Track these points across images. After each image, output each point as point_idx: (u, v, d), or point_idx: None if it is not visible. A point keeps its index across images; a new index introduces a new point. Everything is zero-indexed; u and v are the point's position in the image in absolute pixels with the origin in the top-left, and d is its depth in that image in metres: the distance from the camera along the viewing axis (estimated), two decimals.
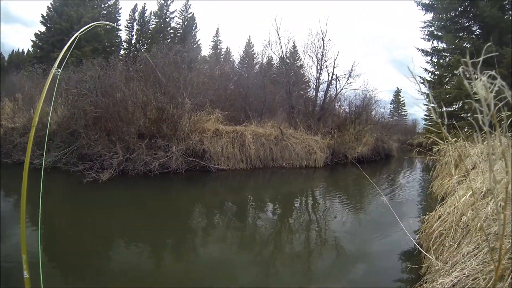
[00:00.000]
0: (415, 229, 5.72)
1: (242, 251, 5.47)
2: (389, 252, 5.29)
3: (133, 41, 36.82)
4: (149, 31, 36.36)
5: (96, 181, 9.85)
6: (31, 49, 37.08)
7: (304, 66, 24.04)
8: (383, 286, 4.34)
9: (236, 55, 48.15)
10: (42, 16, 33.58)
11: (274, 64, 28.79)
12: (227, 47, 44.95)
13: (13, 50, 54.51)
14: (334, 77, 20.06)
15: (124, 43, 36.84)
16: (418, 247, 4.18)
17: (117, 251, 5.66)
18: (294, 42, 30.72)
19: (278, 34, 21.74)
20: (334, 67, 19.82)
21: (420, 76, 17.93)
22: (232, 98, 16.55)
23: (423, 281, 3.75)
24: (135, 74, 13.47)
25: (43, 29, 33.63)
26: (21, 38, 75.14)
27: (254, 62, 28.76)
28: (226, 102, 15.73)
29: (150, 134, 11.42)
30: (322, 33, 19.64)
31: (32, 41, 34.78)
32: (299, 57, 30.16)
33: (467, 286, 2.76)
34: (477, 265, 2.96)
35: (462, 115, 15.93)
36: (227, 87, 17.61)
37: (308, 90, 24.23)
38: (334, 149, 16.42)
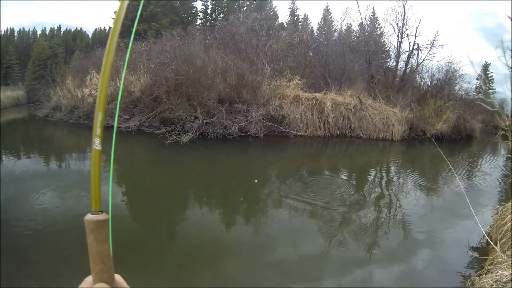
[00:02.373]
0: (487, 219, 5.05)
1: (311, 219, 5.30)
2: (457, 239, 4.84)
3: (208, 11, 37.11)
4: (224, 0, 36.47)
5: (177, 142, 10.29)
6: (112, 26, 39.28)
7: (384, 34, 22.53)
8: (443, 273, 3.99)
9: (314, 22, 46.65)
10: None
11: (354, 31, 27.35)
12: (305, 14, 43.70)
13: (95, 28, 58.31)
14: (415, 46, 18.46)
15: (200, 13, 37.38)
16: (487, 237, 3.95)
17: (190, 209, 5.85)
18: (373, 9, 28.79)
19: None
20: (415, 36, 18.10)
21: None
22: (311, 65, 16.03)
23: (483, 272, 3.43)
24: (214, 42, 13.49)
25: None
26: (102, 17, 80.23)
27: (333, 30, 27.51)
28: (305, 69, 15.26)
29: (230, 99, 11.44)
30: None
31: (112, 18, 36.65)
32: (379, 24, 28.18)
33: None
34: None
35: None
36: (306, 54, 17.06)
37: (388, 59, 22.65)
38: (412, 123, 15.23)
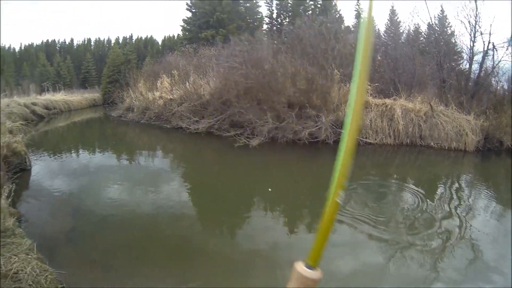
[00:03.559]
0: None
1: (372, 232, 4.93)
2: None
3: (274, 16, 37.48)
4: (289, 4, 36.54)
5: (246, 146, 10.57)
6: (180, 33, 41.38)
7: (455, 34, 21.24)
8: None
9: (381, 24, 45.36)
10: (187, 4, 36.69)
11: (422, 32, 26.17)
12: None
13: (164, 36, 62.08)
14: (490, 46, 17.11)
15: (266, 18, 37.89)
16: None
17: (254, 212, 5.93)
18: (441, 6, 27.24)
19: None
20: (490, 34, 16.79)
21: None
22: (380, 70, 15.53)
23: None
24: (282, 46, 13.58)
25: (189, 14, 36.80)
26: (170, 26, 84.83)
27: (401, 31, 26.52)
28: (375, 73, 14.80)
29: (299, 104, 11.41)
30: None
31: (181, 26, 38.35)
32: (449, 23, 26.63)
33: None
34: None
35: None
36: (375, 58, 16.59)
37: (461, 61, 21.27)
38: (487, 133, 14.07)
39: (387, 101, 12.65)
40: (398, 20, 36.71)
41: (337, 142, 10.79)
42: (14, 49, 66.89)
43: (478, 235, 4.98)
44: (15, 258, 3.40)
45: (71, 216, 5.90)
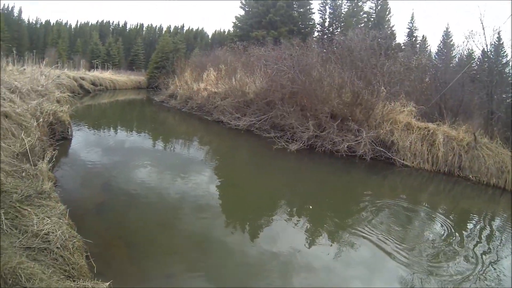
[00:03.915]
0: None
1: (393, 255, 4.77)
2: None
3: (326, 24, 37.47)
4: (342, 15, 36.44)
5: (284, 149, 10.68)
6: (231, 29, 42.26)
7: (510, 64, 20.44)
8: None
9: (433, 45, 44.11)
10: (241, 2, 37.21)
11: (475, 58, 25.38)
12: (423, 35, 41.92)
13: (215, 30, 64.03)
14: None
15: (317, 26, 37.91)
16: None
17: (279, 215, 5.94)
18: (499, 33, 26.20)
19: (482, 23, 18.79)
20: None
21: None
22: (427, 93, 15.29)
23: None
24: (332, 56, 13.60)
25: (242, 12, 37.40)
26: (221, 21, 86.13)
27: (453, 55, 25.79)
28: (421, 96, 14.62)
29: (342, 116, 11.43)
30: None
31: (232, 22, 39.06)
32: (505, 52, 25.73)
33: None
34: None
35: None
36: (423, 79, 16.34)
37: None
38: None
39: (430, 125, 12.42)
40: (452, 42, 35.78)
41: (373, 159, 10.73)
42: (70, 25, 70.59)
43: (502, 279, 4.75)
44: (47, 220, 3.60)
45: (102, 189, 6.27)
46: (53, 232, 3.40)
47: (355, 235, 5.19)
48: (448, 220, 6.69)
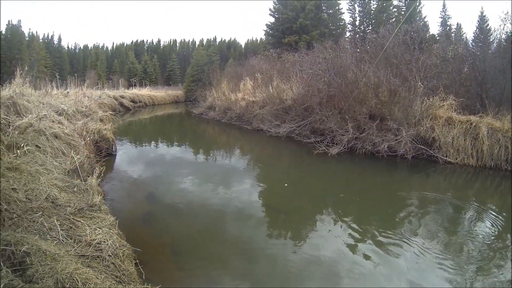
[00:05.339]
0: None
1: (442, 263, 4.44)
2: None
3: (357, 23, 37.16)
4: (372, 12, 35.96)
5: (325, 153, 10.78)
6: (263, 37, 43.02)
7: None
8: None
9: (469, 32, 42.13)
10: (270, 9, 37.69)
11: None
12: (457, 23, 40.44)
13: (247, 39, 65.81)
14: None
15: (348, 26, 37.65)
16: None
17: (322, 220, 5.93)
18: None
19: None
20: None
21: None
22: (467, 84, 14.82)
23: None
24: (365, 55, 13.60)
25: (272, 20, 37.80)
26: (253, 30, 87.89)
27: (491, 40, 24.65)
28: (460, 87, 14.21)
29: (381, 116, 11.42)
30: None
31: (264, 30, 39.61)
32: None
33: None
34: None
35: None
36: (461, 70, 15.85)
37: None
38: None
39: (472, 118, 12.03)
40: (488, 27, 34.27)
41: (415, 157, 10.57)
42: (107, 47, 75.03)
43: None
44: (99, 231, 3.93)
45: (147, 200, 6.67)
46: (104, 242, 3.73)
47: (400, 237, 5.10)
48: (499, 218, 6.24)
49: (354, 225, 5.53)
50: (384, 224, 5.64)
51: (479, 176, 10.16)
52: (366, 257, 4.53)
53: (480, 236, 5.34)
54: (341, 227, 5.49)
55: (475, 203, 7.35)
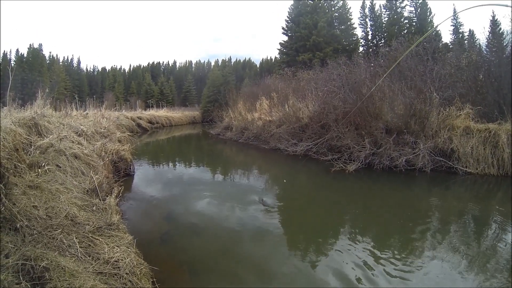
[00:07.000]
0: None
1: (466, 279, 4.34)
2: None
3: (369, 37, 37.40)
4: (383, 25, 36.15)
5: (342, 170, 10.76)
6: (278, 56, 43.57)
7: None
8: None
9: (482, 38, 41.63)
10: (282, 28, 38.28)
11: None
12: (470, 29, 40.01)
13: (262, 58, 67.36)
14: None
15: (361, 40, 37.87)
16: None
17: (341, 240, 5.76)
18: None
19: None
20: None
21: None
22: (483, 91, 14.66)
23: None
24: (379, 69, 13.70)
25: (285, 38, 38.38)
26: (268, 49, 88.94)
27: (504, 44, 24.27)
28: (476, 95, 14.09)
29: (397, 130, 11.41)
30: None
31: (278, 49, 40.27)
32: None
33: None
34: None
35: None
36: (477, 77, 15.70)
37: None
38: None
39: (491, 126, 11.86)
40: (500, 31, 33.70)
41: (434, 170, 10.48)
42: (124, 69, 77.24)
43: None
44: (117, 249, 4.00)
45: (165, 220, 6.77)
46: (122, 260, 3.79)
47: (422, 253, 5.08)
48: None
49: (373, 244, 5.48)
50: (405, 239, 5.66)
51: (501, 186, 9.86)
52: (389, 273, 4.50)
53: (505, 249, 5.17)
54: (360, 244, 5.45)
55: (498, 215, 7.11)
